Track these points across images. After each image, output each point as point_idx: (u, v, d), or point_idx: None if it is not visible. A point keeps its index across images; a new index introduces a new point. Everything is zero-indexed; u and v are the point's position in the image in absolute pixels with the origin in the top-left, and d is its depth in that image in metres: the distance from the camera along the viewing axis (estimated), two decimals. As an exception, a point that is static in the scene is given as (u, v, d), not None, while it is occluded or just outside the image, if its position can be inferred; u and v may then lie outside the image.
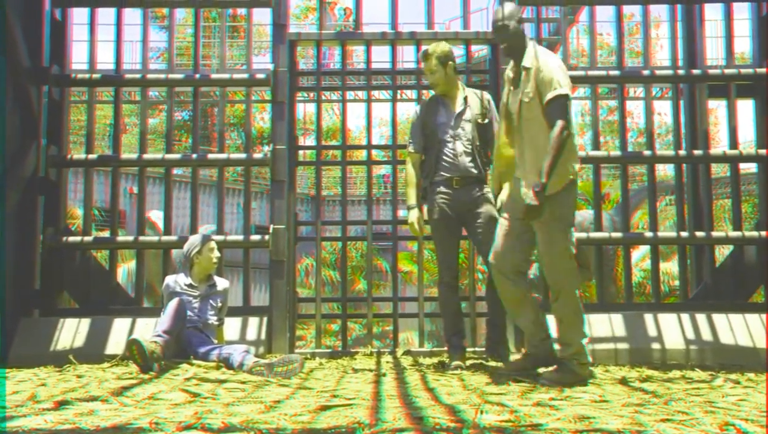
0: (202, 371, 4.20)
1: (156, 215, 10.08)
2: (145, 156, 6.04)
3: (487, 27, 17.79)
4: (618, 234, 6.11)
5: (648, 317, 5.50)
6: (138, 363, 4.19)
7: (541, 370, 3.90)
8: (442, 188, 4.65)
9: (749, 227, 6.26)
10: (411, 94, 14.44)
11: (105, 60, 7.18)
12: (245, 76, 6.22)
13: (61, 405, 2.66)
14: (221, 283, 5.09)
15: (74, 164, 6.03)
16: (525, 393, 3.13)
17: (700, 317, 5.48)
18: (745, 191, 14.15)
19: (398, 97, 6.73)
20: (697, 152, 6.11)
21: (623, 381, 3.82)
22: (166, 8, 6.76)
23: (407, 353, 5.66)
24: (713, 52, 16.23)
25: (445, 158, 4.64)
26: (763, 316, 5.41)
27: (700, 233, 5.97)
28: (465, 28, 6.18)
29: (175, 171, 7.91)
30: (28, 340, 5.34)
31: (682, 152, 6.15)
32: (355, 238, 11.87)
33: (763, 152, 5.88)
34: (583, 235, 6.05)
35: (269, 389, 3.41)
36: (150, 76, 6.26)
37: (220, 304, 5.02)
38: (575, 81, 6.64)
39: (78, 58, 7.81)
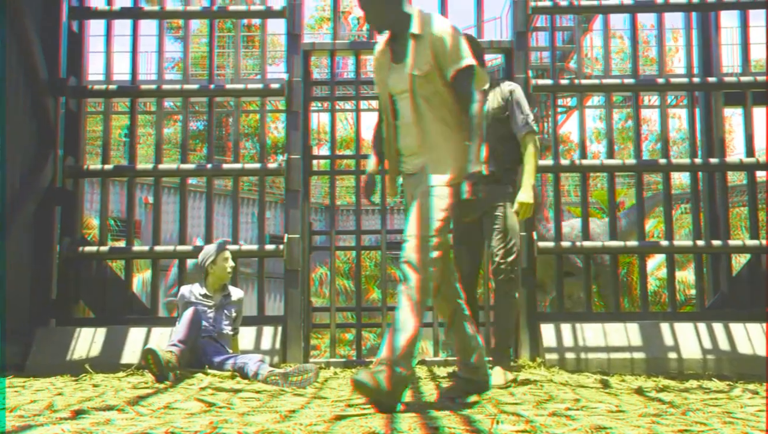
0: (217, 380, 4.22)
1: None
2: (161, 166, 6.07)
3: (500, 36, 17.88)
4: (634, 243, 6.07)
5: (664, 327, 5.44)
6: (154, 373, 4.21)
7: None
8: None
9: (766, 235, 6.20)
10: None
11: (121, 71, 7.27)
12: (260, 86, 6.23)
13: (77, 414, 2.67)
14: (236, 293, 5.10)
15: (91, 174, 6.10)
16: (541, 403, 3.11)
17: (717, 327, 5.43)
18: (762, 200, 14.03)
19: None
20: (713, 160, 6.06)
21: (640, 391, 3.78)
22: (181, 19, 6.80)
23: (422, 362, 5.65)
24: (729, 60, 16.14)
25: None
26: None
27: (716, 242, 5.92)
28: (478, 36, 6.18)
29: (190, 181, 7.94)
30: (45, 349, 5.37)
31: (698, 160, 6.08)
32: (369, 247, 11.83)
33: (779, 159, 5.84)
34: (598, 244, 6.01)
35: (284, 398, 3.41)
36: (165, 86, 6.32)
37: (234, 314, 5.02)
38: (590, 89, 6.64)
39: (94, 69, 7.88)
